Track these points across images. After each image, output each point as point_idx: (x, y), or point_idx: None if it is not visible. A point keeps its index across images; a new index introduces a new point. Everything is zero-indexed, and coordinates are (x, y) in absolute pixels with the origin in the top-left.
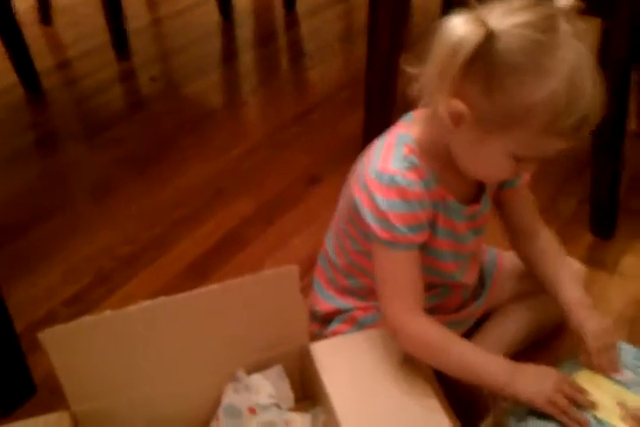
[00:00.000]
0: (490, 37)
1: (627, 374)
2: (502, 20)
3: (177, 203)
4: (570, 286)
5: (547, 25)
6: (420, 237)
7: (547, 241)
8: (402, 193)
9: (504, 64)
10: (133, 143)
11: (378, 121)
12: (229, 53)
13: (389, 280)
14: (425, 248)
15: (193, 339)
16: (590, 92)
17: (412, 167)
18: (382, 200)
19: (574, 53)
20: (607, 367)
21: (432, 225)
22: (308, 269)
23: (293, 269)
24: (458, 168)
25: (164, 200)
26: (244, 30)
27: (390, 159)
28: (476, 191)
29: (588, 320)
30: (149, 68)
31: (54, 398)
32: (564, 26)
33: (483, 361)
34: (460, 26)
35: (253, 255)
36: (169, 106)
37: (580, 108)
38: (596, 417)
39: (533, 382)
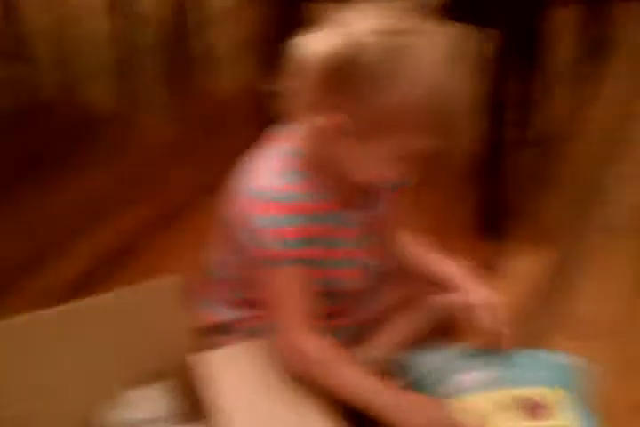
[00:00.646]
0: (349, 47)
1: (492, 374)
2: (360, 27)
3: (69, 211)
4: (444, 266)
5: (405, 28)
6: (307, 252)
7: (414, 238)
8: (284, 208)
9: (365, 72)
10: (24, 150)
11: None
12: (128, 59)
13: (279, 299)
14: (316, 261)
15: (73, 354)
16: (456, 91)
17: (295, 180)
18: (263, 218)
19: (434, 54)
20: (504, 344)
21: (322, 237)
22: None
23: (176, 280)
24: (344, 176)
25: (57, 208)
26: (146, 35)
27: (272, 174)
28: (366, 197)
29: (478, 304)
30: (45, 73)
31: None
32: (425, 27)
33: (370, 390)
34: (320, 39)
35: (148, 265)
36: (65, 112)
37: (448, 107)
38: None
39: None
